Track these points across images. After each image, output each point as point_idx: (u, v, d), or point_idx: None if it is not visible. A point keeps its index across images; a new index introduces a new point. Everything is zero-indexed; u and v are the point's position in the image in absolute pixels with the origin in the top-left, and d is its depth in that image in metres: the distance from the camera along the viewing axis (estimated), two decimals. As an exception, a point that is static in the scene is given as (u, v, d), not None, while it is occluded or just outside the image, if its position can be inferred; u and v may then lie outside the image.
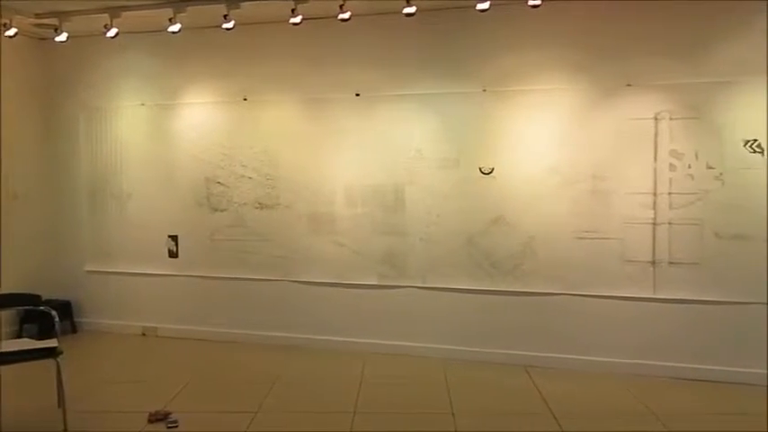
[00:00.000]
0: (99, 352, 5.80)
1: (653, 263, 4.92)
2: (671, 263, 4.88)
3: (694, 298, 4.83)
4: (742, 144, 4.70)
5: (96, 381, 4.91)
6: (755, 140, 4.67)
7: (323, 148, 5.62)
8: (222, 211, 5.91)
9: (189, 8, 4.98)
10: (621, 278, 4.98)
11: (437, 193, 5.35)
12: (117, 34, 5.19)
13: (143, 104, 6.10)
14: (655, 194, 4.88)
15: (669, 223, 4.87)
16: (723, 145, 4.73)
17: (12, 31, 5.22)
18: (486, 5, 4.51)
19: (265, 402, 4.44)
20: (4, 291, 5.24)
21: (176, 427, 4.01)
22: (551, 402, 4.41)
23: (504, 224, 5.21)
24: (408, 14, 4.61)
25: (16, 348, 4.07)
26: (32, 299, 4.45)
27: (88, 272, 6.33)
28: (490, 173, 5.23)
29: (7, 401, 4.22)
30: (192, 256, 6.03)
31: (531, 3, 4.46)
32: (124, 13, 5.11)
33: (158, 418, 4.09)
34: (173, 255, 6.09)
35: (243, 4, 4.86)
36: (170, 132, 6.02)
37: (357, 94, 5.52)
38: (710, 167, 4.77)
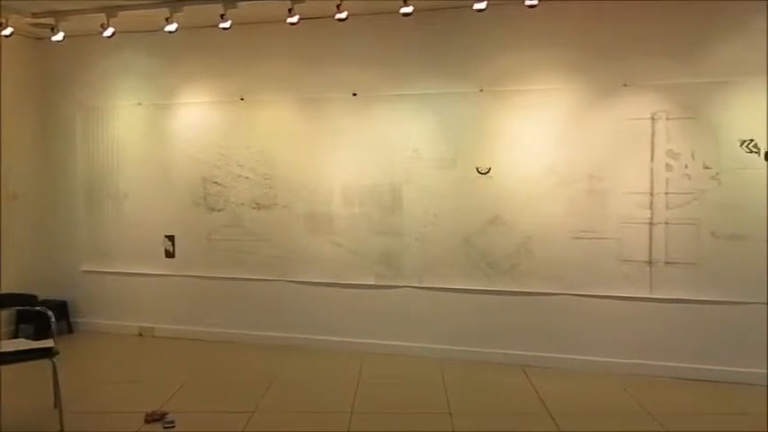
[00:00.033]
0: (95, 352, 5.78)
1: (650, 263, 4.92)
2: (668, 263, 4.89)
3: (691, 298, 4.84)
4: (738, 144, 4.71)
5: (93, 381, 4.90)
6: (752, 140, 4.68)
7: (320, 148, 5.62)
8: (219, 210, 5.90)
9: (185, 8, 4.97)
10: (618, 278, 4.99)
11: (434, 193, 5.35)
12: (113, 34, 5.18)
13: (140, 104, 6.09)
14: (651, 194, 4.89)
15: (666, 223, 4.88)
16: (720, 145, 4.75)
17: (8, 31, 5.21)
18: (482, 5, 4.51)
19: (262, 402, 4.43)
20: (1, 291, 5.23)
21: (173, 427, 4.00)
22: (548, 402, 4.41)
23: (500, 224, 5.22)
24: (405, 14, 4.60)
25: (12, 349, 4.05)
26: (29, 299, 4.45)
27: (85, 272, 6.31)
28: (487, 173, 5.23)
29: (4, 402, 4.20)
30: (188, 255, 6.03)
31: (527, 3, 4.45)
32: (121, 13, 5.10)
33: (155, 418, 4.09)
34: (169, 255, 6.08)
35: (240, 3, 4.86)
36: (167, 132, 6.01)
37: (354, 94, 5.51)
38: (707, 167, 4.78)
